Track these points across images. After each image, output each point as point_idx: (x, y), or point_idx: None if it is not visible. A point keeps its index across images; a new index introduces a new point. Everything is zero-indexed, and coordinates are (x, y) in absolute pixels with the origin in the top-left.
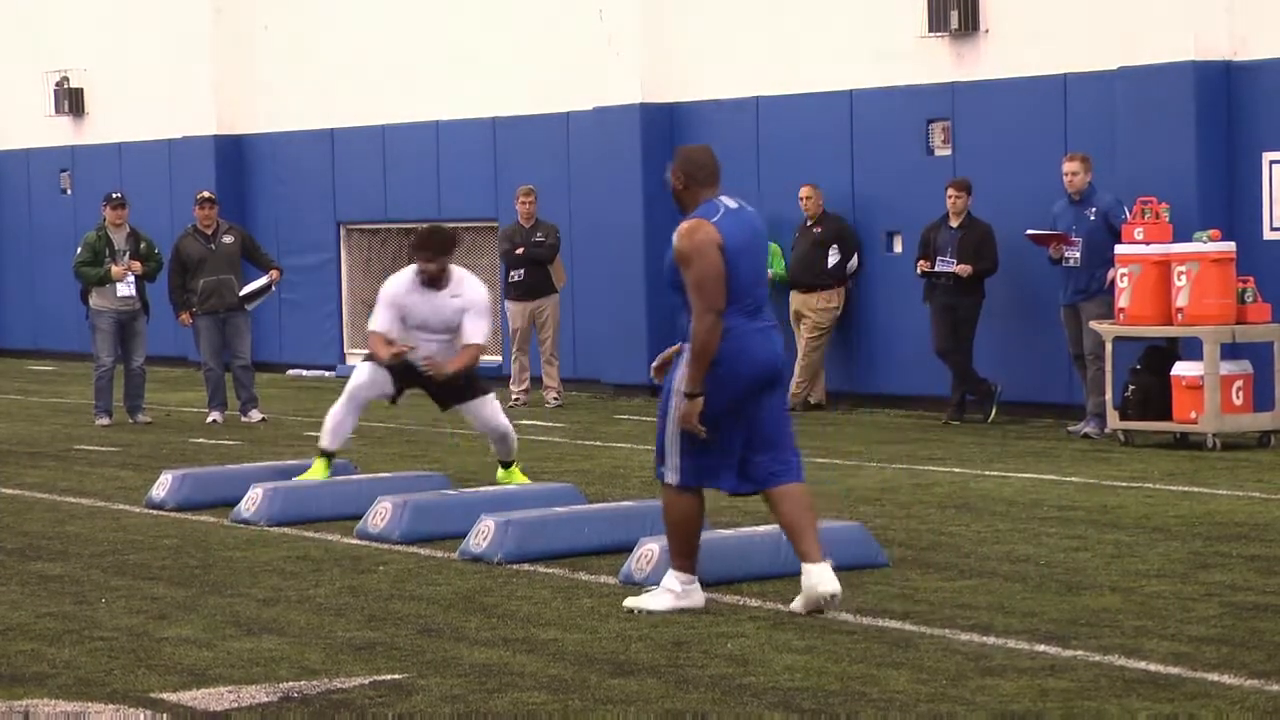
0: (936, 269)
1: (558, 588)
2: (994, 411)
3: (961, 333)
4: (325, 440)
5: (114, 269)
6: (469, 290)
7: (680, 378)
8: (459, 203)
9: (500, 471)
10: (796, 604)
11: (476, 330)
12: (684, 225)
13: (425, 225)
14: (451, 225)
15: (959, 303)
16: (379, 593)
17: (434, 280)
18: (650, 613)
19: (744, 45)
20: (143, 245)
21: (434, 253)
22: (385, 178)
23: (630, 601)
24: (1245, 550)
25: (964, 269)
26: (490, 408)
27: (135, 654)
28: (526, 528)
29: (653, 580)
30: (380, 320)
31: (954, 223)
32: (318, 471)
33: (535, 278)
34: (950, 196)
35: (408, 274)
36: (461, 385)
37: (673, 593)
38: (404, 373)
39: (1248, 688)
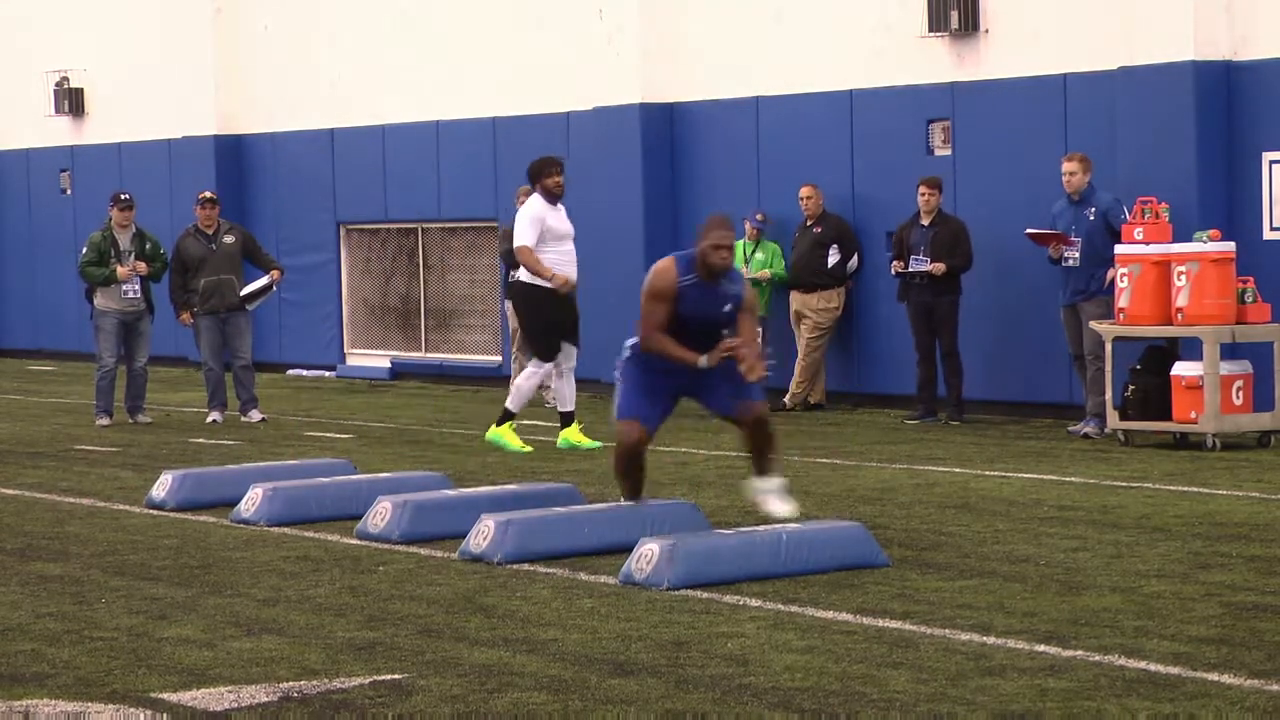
0: (910, 268)
1: (558, 588)
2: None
3: (944, 332)
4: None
5: (119, 269)
6: None
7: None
8: (459, 203)
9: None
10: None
11: None
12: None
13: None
14: (451, 225)
15: (936, 301)
16: (379, 593)
17: None
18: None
19: (744, 45)
20: (148, 246)
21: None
22: (385, 178)
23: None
24: (1245, 550)
25: (937, 267)
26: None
27: (135, 654)
28: (526, 528)
29: (653, 581)
30: None
31: (925, 220)
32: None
33: None
34: (922, 194)
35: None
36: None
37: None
38: None
39: (1248, 688)
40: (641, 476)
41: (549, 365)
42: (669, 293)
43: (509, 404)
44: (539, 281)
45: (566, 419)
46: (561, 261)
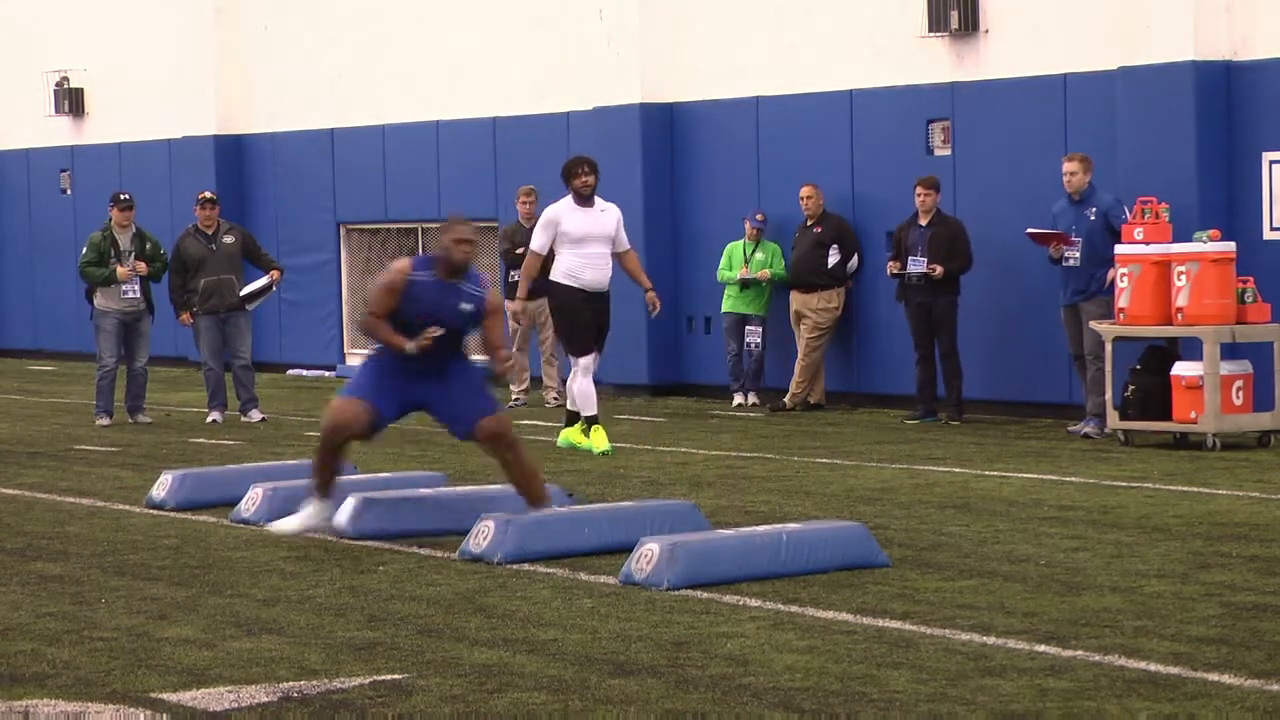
0: (908, 269)
1: (558, 588)
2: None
3: (942, 332)
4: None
5: (119, 270)
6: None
7: None
8: (459, 203)
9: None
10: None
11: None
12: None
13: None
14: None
15: (935, 302)
16: (379, 593)
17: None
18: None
19: (744, 45)
20: (148, 246)
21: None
22: (385, 178)
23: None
24: (1245, 550)
25: (935, 270)
26: None
27: (135, 654)
28: (526, 528)
29: (653, 581)
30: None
31: (923, 221)
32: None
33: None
34: (919, 195)
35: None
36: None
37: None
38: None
39: (1248, 688)
40: (339, 466)
41: (587, 359)
42: (400, 285)
43: (581, 412)
44: (565, 280)
45: (571, 418)
46: (578, 266)
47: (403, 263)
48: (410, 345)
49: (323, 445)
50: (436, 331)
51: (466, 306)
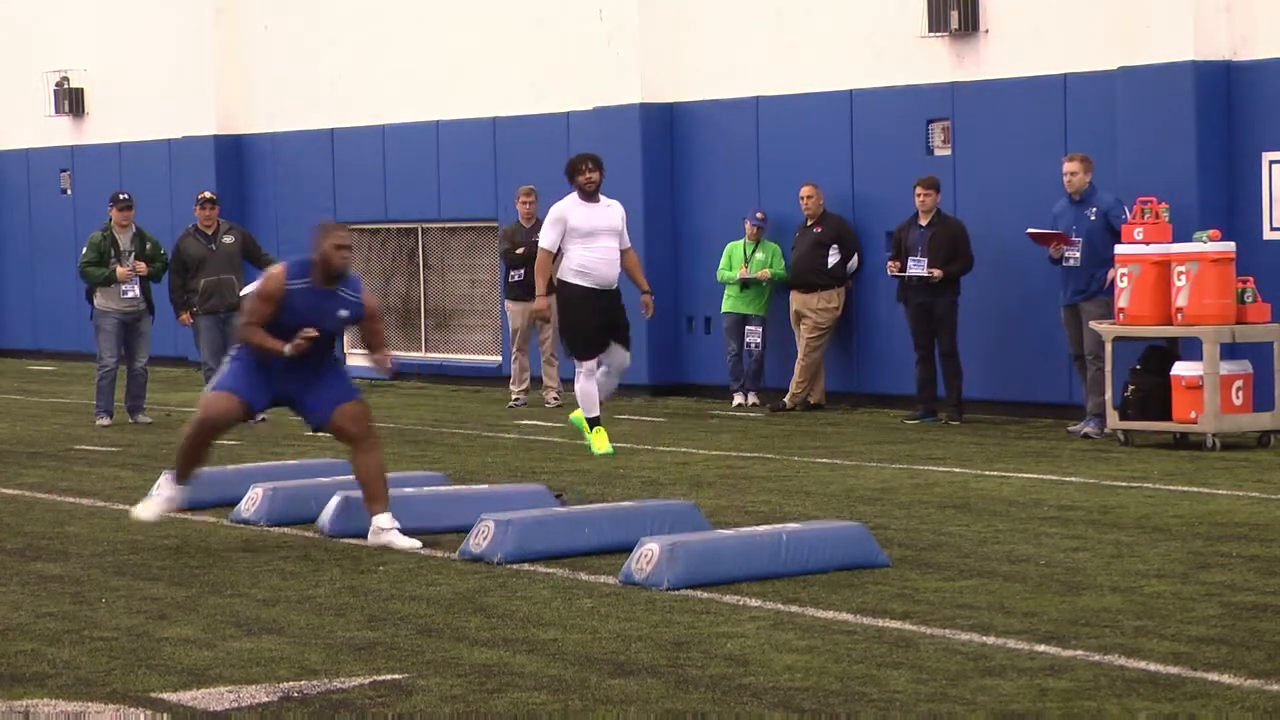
0: (908, 270)
1: (558, 588)
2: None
3: (942, 332)
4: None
5: (119, 270)
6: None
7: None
8: (459, 203)
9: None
10: None
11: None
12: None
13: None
14: (451, 225)
15: (935, 302)
16: (379, 593)
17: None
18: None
19: (744, 45)
20: (148, 246)
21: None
22: (385, 178)
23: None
24: (1245, 550)
25: (934, 274)
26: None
27: (135, 654)
28: (526, 528)
29: (653, 581)
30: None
31: (923, 221)
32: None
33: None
34: (919, 195)
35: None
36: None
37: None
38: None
39: (1248, 688)
40: (206, 456)
41: (591, 362)
42: (275, 295)
43: (584, 413)
44: (574, 279)
45: None
46: (590, 261)
47: (277, 270)
48: (287, 348)
49: (193, 435)
50: (312, 333)
51: (344, 313)
